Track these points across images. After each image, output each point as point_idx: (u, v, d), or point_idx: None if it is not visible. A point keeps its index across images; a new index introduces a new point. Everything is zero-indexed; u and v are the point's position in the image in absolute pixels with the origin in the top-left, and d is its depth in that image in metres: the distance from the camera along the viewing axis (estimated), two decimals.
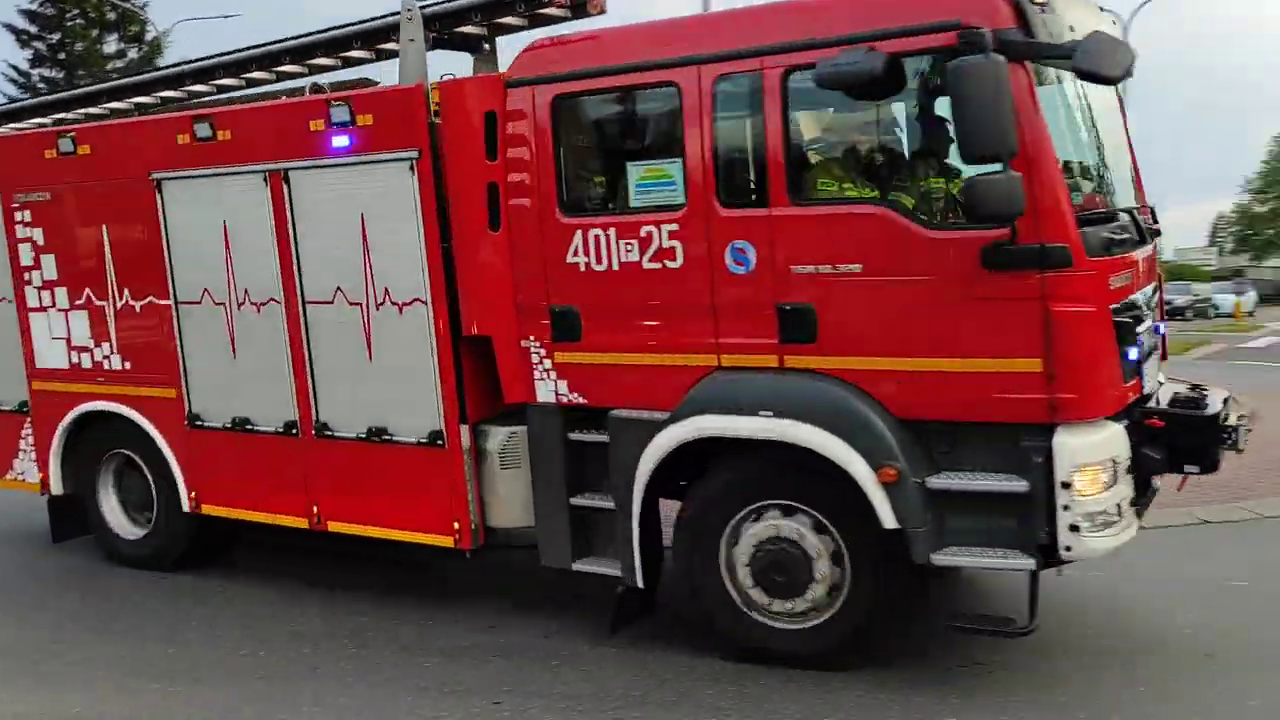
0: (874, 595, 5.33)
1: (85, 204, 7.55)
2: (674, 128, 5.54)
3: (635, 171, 5.73)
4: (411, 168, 6.08)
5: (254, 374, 6.99)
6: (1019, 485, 4.90)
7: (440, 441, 6.30)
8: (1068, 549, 4.85)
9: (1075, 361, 4.79)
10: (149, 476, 7.78)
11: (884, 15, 4.94)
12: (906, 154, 5.64)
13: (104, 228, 7.47)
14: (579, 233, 5.79)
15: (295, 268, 6.66)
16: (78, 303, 7.71)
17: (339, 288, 6.54)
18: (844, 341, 5.19)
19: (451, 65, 7.97)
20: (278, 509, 7.08)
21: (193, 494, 7.40)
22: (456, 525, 6.33)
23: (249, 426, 7.07)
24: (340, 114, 6.27)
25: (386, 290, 6.35)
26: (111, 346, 7.62)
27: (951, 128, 4.88)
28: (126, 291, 7.47)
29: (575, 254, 5.81)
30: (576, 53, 5.86)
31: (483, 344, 6.23)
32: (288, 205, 6.60)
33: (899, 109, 5.55)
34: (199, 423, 7.29)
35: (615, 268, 5.70)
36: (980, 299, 4.87)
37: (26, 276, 7.90)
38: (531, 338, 6.03)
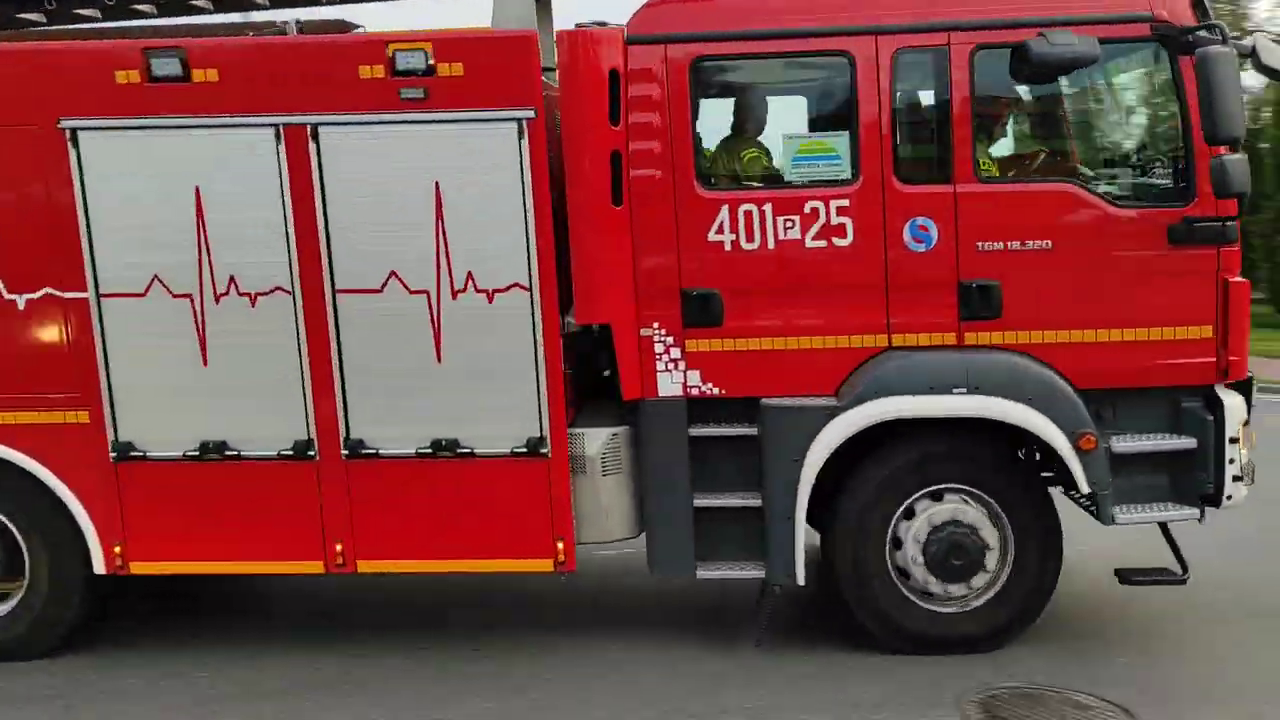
0: (1037, 564, 5.54)
1: None
2: (844, 100, 5.30)
3: (793, 144, 5.39)
4: (521, 130, 5.16)
5: (238, 385, 5.44)
6: (1189, 443, 5.39)
7: (544, 450, 5.40)
8: (1229, 498, 5.42)
9: (1242, 328, 5.37)
10: (16, 537, 5.73)
11: (1080, 2, 5.16)
12: (1096, 135, 5.91)
13: None
14: (725, 208, 5.31)
15: (323, 249, 5.31)
16: None
17: (393, 273, 5.33)
18: (1030, 316, 5.32)
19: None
20: (273, 554, 5.60)
21: (116, 549, 5.58)
22: (560, 545, 5.47)
23: (227, 452, 5.50)
24: (411, 60, 5.12)
25: (470, 275, 5.31)
26: None
27: (1139, 112, 5.26)
28: None
29: (719, 231, 5.32)
30: (720, 11, 5.36)
31: (577, 336, 5.50)
32: (315, 170, 5.25)
33: (1087, 91, 5.78)
34: (132, 454, 5.52)
35: (771, 246, 5.32)
36: (1164, 272, 5.27)
37: None
38: (656, 325, 5.41)
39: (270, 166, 5.26)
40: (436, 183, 5.24)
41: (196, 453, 5.49)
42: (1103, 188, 5.42)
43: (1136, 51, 5.34)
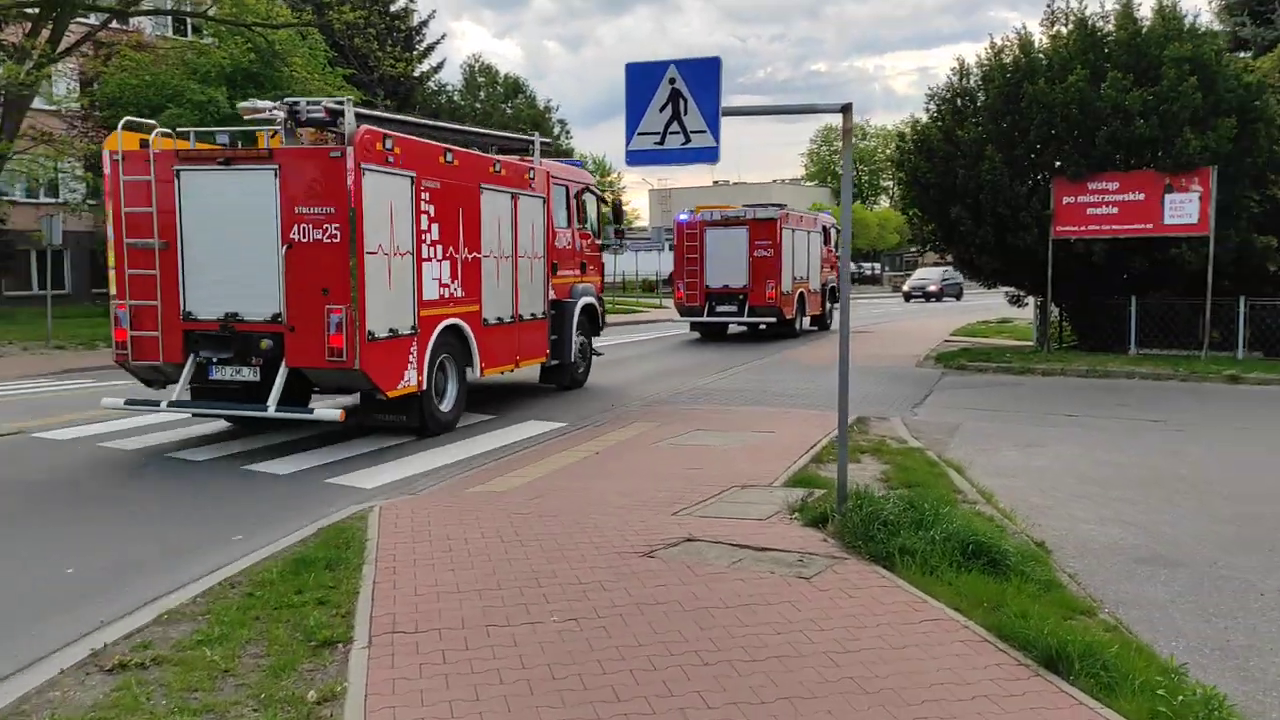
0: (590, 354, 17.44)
1: (453, 193, 12.40)
2: (580, 203, 16.58)
3: (559, 214, 16.28)
4: (544, 203, 15.04)
5: (503, 292, 13.80)
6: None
7: (543, 316, 15.21)
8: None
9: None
10: (456, 366, 12.71)
11: (580, 179, 17.52)
12: (593, 219, 17.48)
13: (459, 210, 12.55)
14: (560, 233, 16.02)
15: (517, 240, 14.14)
16: (447, 254, 12.23)
17: (525, 252, 14.47)
18: (591, 272, 17.36)
19: None
20: (505, 363, 13.98)
21: (481, 365, 13.21)
22: (548, 353, 15.35)
23: (502, 321, 13.73)
24: (532, 175, 14.55)
25: (531, 251, 14.81)
26: (459, 283, 12.51)
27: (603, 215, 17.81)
28: (465, 248, 12.68)
29: (558, 241, 15.99)
30: (563, 170, 16.17)
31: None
32: (517, 213, 14.10)
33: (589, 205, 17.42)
34: (486, 323, 13.30)
35: (564, 245, 16.21)
36: (595, 259, 17.90)
37: (423, 236, 11.76)
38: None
39: (509, 210, 13.94)
40: (533, 222, 14.66)
41: (495, 321, 13.61)
42: (594, 233, 17.68)
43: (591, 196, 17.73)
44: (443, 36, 63.47)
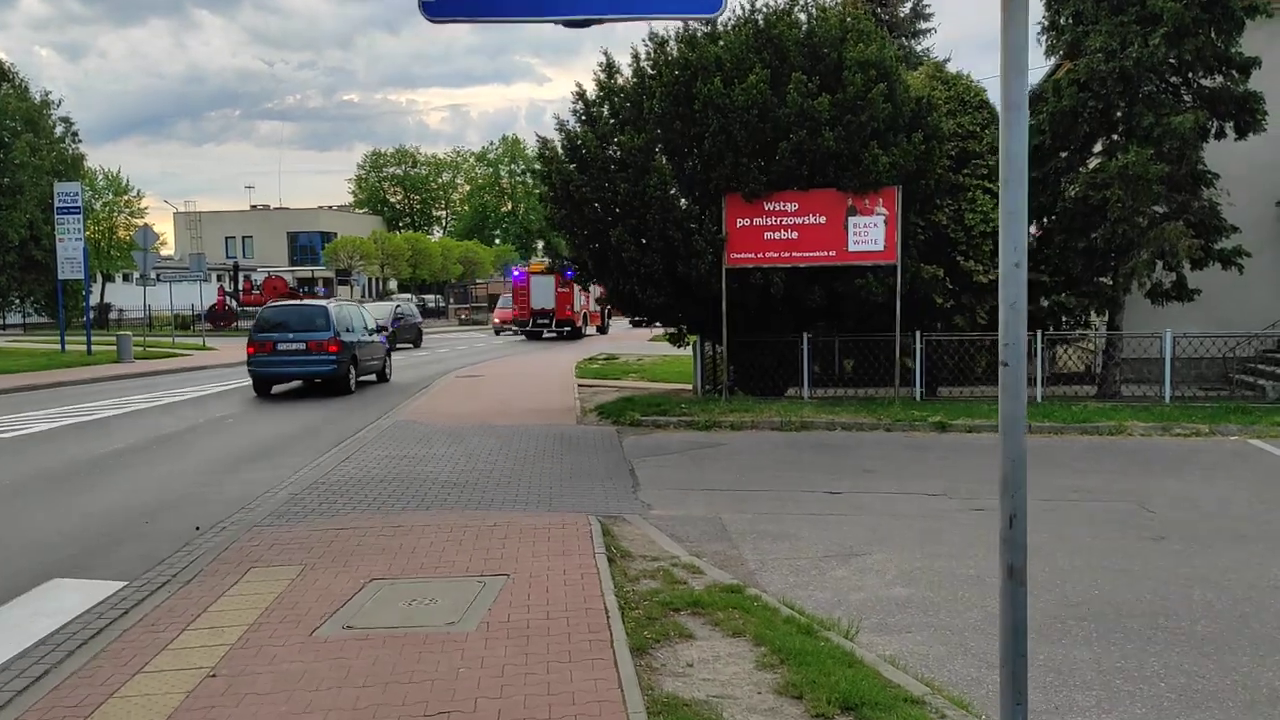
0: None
1: (568, 285, 44.75)
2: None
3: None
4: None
5: (579, 305, 48.85)
6: None
7: (581, 313, 48.72)
8: None
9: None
10: (581, 322, 49.87)
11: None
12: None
13: (568, 288, 45.04)
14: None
15: (580, 295, 46.20)
16: (572, 297, 45.76)
17: (580, 298, 46.79)
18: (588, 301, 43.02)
19: None
20: (585, 327, 50.80)
21: (578, 325, 49.57)
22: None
23: (578, 313, 48.66)
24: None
25: (582, 298, 46.50)
26: (574, 302, 46.50)
27: None
28: (573, 296, 45.65)
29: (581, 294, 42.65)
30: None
31: None
32: (574, 287, 42.53)
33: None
34: (580, 315, 49.59)
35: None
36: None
37: (569, 292, 46.69)
38: None
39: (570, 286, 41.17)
40: (576, 290, 41.64)
41: (577, 312, 47.96)
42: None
43: None
44: None
